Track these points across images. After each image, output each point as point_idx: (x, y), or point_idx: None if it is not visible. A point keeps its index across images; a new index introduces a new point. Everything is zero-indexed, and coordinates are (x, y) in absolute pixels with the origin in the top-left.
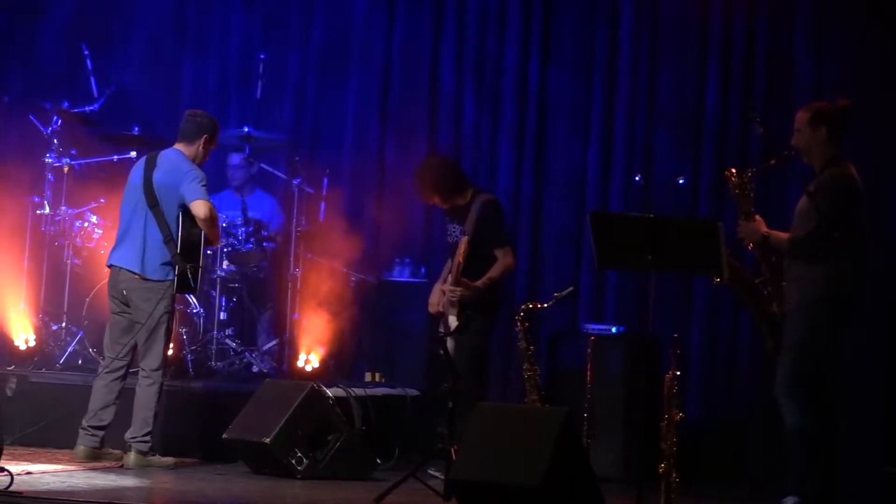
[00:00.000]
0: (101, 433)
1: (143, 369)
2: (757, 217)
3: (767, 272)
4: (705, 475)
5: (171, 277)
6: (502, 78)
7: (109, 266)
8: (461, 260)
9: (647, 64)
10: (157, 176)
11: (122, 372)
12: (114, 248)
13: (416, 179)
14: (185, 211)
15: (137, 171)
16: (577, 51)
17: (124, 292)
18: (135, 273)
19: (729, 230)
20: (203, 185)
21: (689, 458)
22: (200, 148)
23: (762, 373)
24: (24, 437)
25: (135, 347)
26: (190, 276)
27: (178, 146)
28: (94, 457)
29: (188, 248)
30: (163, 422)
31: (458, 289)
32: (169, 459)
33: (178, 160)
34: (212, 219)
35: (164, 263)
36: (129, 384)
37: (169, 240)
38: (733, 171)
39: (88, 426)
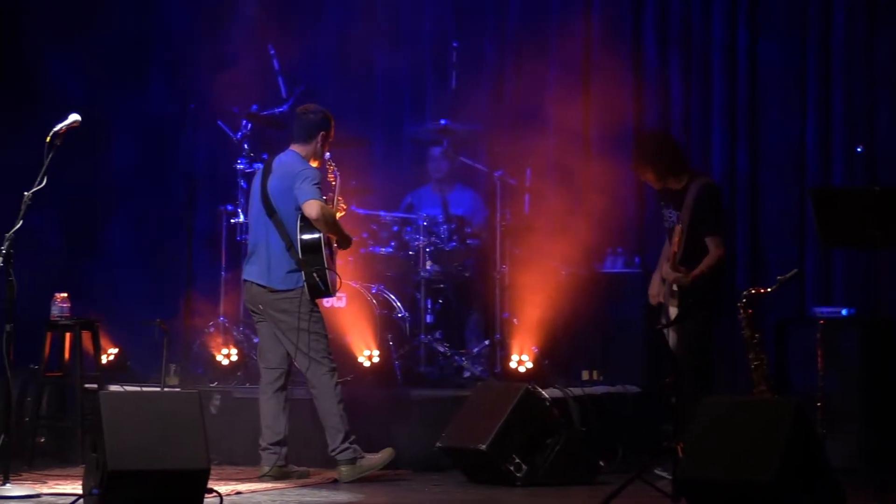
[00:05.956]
0: (282, 449)
1: (309, 380)
2: None
3: None
4: None
5: (300, 284)
6: (710, 51)
7: (244, 281)
8: (676, 249)
9: (863, 29)
10: (271, 182)
11: (281, 381)
12: (245, 262)
13: (634, 148)
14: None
15: (256, 180)
16: (788, 20)
17: (260, 306)
18: (263, 286)
19: None
20: (315, 185)
21: None
22: (318, 146)
23: None
24: (232, 455)
25: (288, 354)
26: (318, 280)
27: (294, 147)
28: (282, 475)
29: (309, 252)
30: (370, 430)
31: (677, 274)
32: (383, 454)
33: (292, 162)
34: (325, 217)
35: (291, 271)
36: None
37: (290, 247)
38: None
39: (268, 444)
